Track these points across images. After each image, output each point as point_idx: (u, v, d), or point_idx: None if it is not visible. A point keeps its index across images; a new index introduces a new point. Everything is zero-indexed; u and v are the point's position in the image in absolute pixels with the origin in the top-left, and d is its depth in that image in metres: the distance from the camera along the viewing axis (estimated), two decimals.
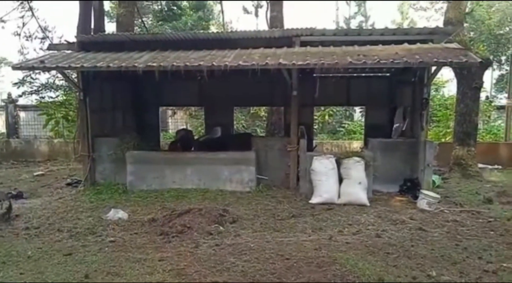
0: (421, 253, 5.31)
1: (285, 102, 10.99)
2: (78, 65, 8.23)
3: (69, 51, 9.72)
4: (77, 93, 9.94)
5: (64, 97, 15.51)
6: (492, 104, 19.25)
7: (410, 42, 8.84)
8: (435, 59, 7.49)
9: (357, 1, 36.98)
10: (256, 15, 25.04)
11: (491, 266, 4.92)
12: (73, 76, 11.26)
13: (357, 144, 15.29)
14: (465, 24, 13.25)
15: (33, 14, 16.23)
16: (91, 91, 9.54)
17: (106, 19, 15.99)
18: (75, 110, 13.54)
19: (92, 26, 12.80)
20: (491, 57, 17.68)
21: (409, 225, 6.55)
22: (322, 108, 18.97)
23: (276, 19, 14.27)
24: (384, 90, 12.02)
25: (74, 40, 9.89)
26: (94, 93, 9.73)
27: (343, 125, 20.36)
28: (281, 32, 9.44)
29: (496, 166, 12.63)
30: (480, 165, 11.57)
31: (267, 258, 5.16)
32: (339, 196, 7.95)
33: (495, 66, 24.77)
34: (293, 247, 5.55)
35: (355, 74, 12.43)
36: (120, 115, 11.39)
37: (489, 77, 25.00)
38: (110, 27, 20.14)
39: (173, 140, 12.82)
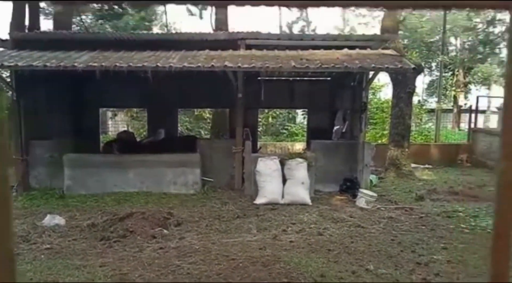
0: (359, 249, 5.57)
1: (230, 104, 11.04)
2: (12, 64, 7.76)
3: (1, 49, 9.15)
4: (10, 93, 9.36)
5: None
6: (424, 107, 20.51)
7: (350, 47, 9.23)
8: (373, 65, 7.89)
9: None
10: (201, 17, 24.82)
11: (423, 258, 5.26)
12: (4, 75, 10.60)
13: (299, 146, 15.67)
14: (399, 32, 14.02)
15: None
16: (25, 91, 9.00)
17: (41, 16, 15.16)
18: (6, 111, 12.69)
19: (27, 23, 12.10)
20: (423, 64, 18.83)
21: (349, 223, 6.83)
22: (266, 110, 19.26)
23: (220, 22, 14.27)
24: (325, 94, 12.39)
25: (7, 37, 9.31)
26: (29, 94, 9.19)
27: (286, 127, 20.77)
28: (227, 35, 9.51)
29: (427, 166, 13.41)
30: (413, 165, 12.25)
31: (213, 259, 5.17)
32: (283, 196, 8.12)
33: (426, 72, 26.32)
34: (239, 247, 5.60)
35: (298, 78, 12.75)
36: (58, 117, 10.80)
37: (421, 82, 26.53)
38: (46, 24, 19.08)
39: (108, 141, 12.38)
